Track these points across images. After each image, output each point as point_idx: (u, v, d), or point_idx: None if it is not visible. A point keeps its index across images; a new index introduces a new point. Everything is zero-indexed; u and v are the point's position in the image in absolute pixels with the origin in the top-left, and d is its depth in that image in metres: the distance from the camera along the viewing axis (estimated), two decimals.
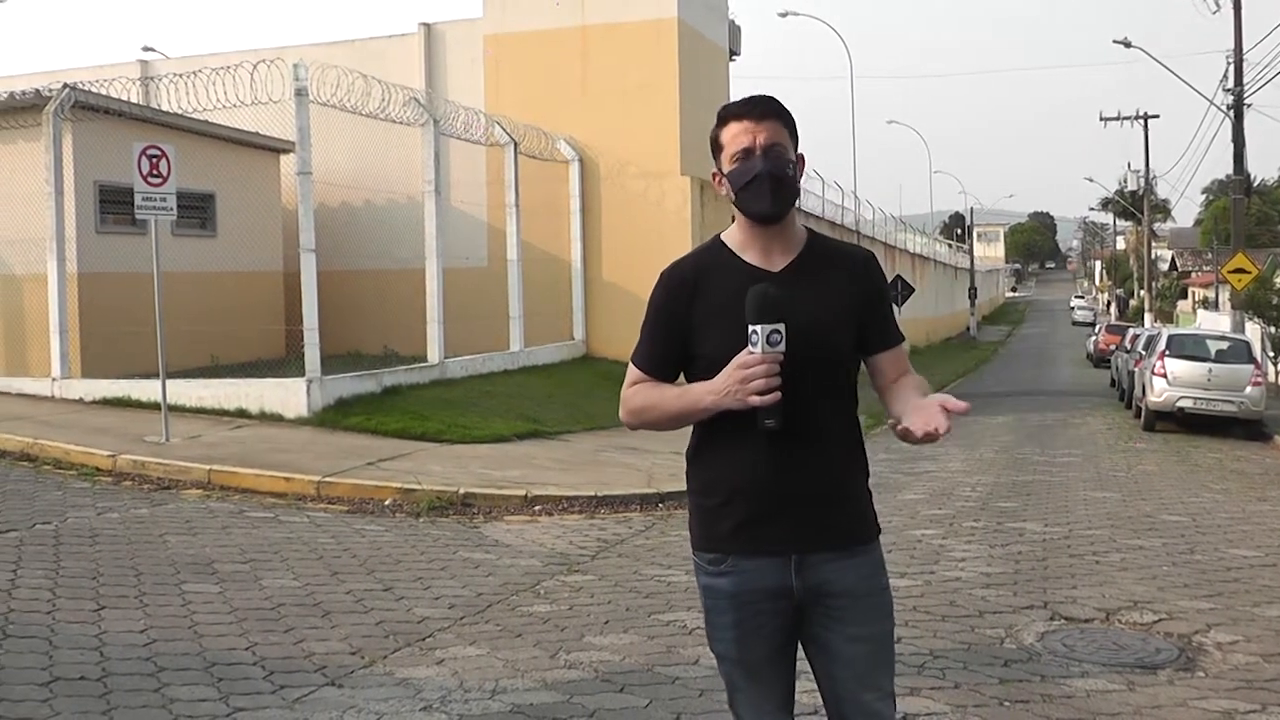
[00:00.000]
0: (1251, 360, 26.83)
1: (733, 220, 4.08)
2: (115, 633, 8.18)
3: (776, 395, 3.70)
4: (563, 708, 6.96)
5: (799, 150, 3.98)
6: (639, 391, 4.03)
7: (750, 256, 3.96)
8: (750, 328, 3.70)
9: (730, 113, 3.95)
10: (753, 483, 3.84)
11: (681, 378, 4.03)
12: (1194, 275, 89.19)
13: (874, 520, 4.06)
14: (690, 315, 3.94)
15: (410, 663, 7.80)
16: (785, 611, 3.92)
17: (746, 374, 3.70)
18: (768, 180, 3.85)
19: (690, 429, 4.06)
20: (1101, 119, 68.23)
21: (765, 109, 3.92)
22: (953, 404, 3.69)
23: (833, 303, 3.89)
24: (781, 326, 3.70)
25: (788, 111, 3.96)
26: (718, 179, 4.00)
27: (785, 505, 3.84)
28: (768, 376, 3.69)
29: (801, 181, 4.09)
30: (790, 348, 3.71)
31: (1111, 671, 7.91)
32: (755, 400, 3.70)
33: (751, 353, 3.70)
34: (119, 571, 9.86)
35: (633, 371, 4.07)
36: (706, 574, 3.99)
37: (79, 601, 8.89)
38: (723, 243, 4.04)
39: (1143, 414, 27.52)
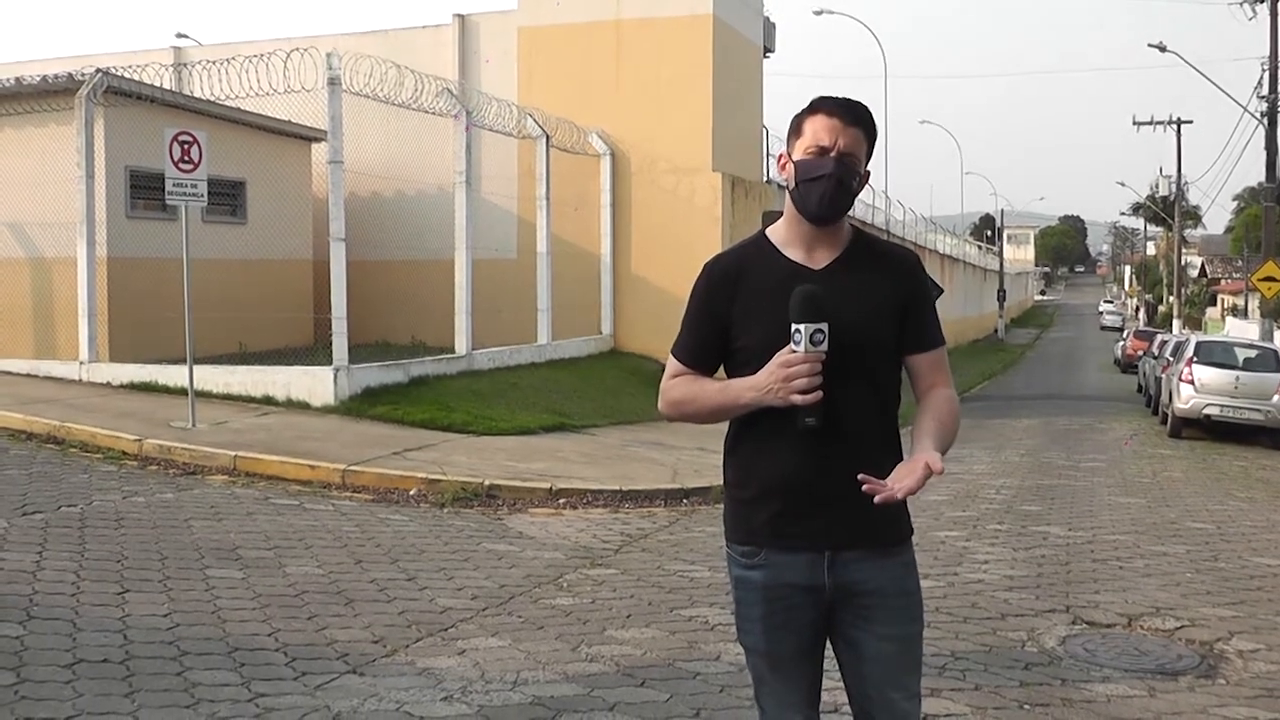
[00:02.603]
0: (1279, 369, 26.67)
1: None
2: (139, 616, 8.22)
3: (818, 395, 3.71)
4: (583, 700, 6.98)
5: (868, 166, 3.97)
6: (679, 384, 4.05)
7: (793, 253, 3.96)
8: (794, 326, 3.71)
9: (823, 106, 3.91)
10: (788, 479, 3.85)
11: (721, 371, 4.04)
12: (1224, 282, 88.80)
13: (907, 521, 4.06)
14: (731, 308, 3.94)
15: (432, 652, 7.82)
16: (815, 607, 3.92)
17: (789, 372, 3.71)
18: (833, 183, 3.83)
19: (727, 423, 4.07)
20: (1134, 123, 67.77)
21: (857, 116, 3.89)
22: (935, 465, 3.67)
23: (873, 302, 3.89)
24: (825, 326, 3.71)
25: (875, 127, 3.95)
26: (783, 160, 3.99)
27: (820, 502, 3.85)
28: (810, 376, 3.70)
29: (859, 195, 4.07)
30: (831, 347, 3.72)
31: (1133, 677, 7.89)
32: (797, 399, 3.71)
33: (794, 351, 3.72)
34: (143, 555, 9.91)
35: (673, 364, 4.09)
36: (739, 565, 4.00)
37: (103, 585, 8.93)
38: (767, 238, 4.04)
39: (1169, 420, 27.41)
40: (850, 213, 3.97)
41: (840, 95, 3.98)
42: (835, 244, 3.97)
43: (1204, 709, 7.29)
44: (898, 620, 3.95)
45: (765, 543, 3.93)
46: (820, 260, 3.94)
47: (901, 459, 4.01)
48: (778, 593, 3.92)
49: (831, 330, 3.72)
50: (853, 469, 3.75)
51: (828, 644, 4.06)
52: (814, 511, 3.86)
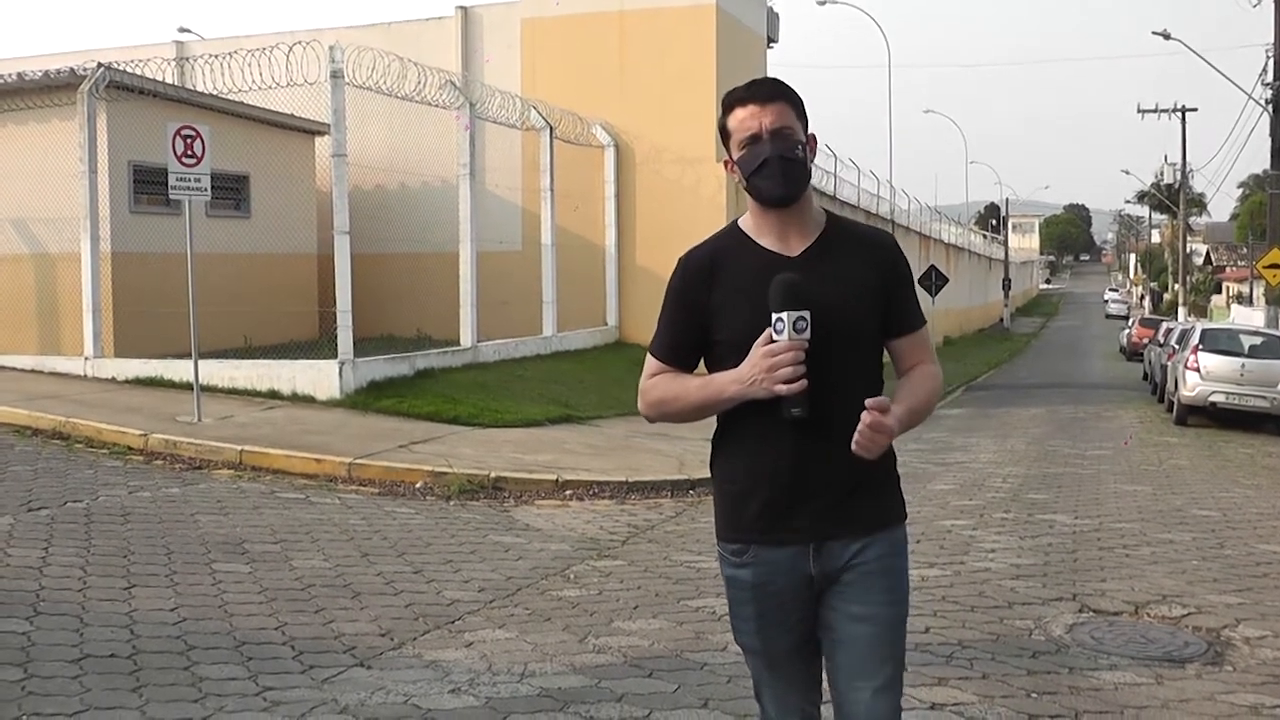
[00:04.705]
0: None
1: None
2: (146, 611, 8.23)
3: (803, 384, 3.64)
4: (591, 692, 6.98)
5: (809, 130, 3.94)
6: (659, 383, 3.96)
7: (767, 241, 3.91)
8: (775, 315, 3.66)
9: (735, 98, 3.91)
10: (776, 472, 3.80)
11: (702, 366, 3.98)
12: (1228, 270, 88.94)
13: (900, 506, 4.00)
14: (709, 301, 3.87)
15: (439, 645, 7.83)
16: (807, 602, 3.88)
17: (773, 362, 3.64)
18: (777, 164, 3.80)
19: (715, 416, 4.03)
20: (1139, 111, 67.48)
21: (770, 91, 3.89)
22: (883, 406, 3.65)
23: (854, 287, 3.83)
24: (807, 314, 3.65)
25: (793, 91, 3.91)
26: (729, 166, 3.96)
27: (808, 495, 3.80)
28: (794, 364, 3.64)
29: (813, 162, 4.03)
30: (814, 334, 3.67)
31: (1139, 664, 7.88)
32: (781, 389, 3.64)
33: (776, 340, 3.68)
34: (150, 550, 9.92)
35: (651, 363, 4.00)
36: (730, 565, 3.95)
37: (110, 579, 8.94)
38: (739, 228, 3.99)
39: (1175, 408, 27.35)
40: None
41: (749, 81, 4.00)
42: (809, 230, 3.93)
43: (1211, 696, 7.28)
44: (875, 598, 3.85)
45: (754, 539, 3.87)
46: (796, 247, 3.89)
47: (891, 444, 3.98)
48: (769, 590, 3.87)
49: (813, 317, 3.67)
50: (840, 457, 3.70)
51: None
52: (803, 503, 3.81)
